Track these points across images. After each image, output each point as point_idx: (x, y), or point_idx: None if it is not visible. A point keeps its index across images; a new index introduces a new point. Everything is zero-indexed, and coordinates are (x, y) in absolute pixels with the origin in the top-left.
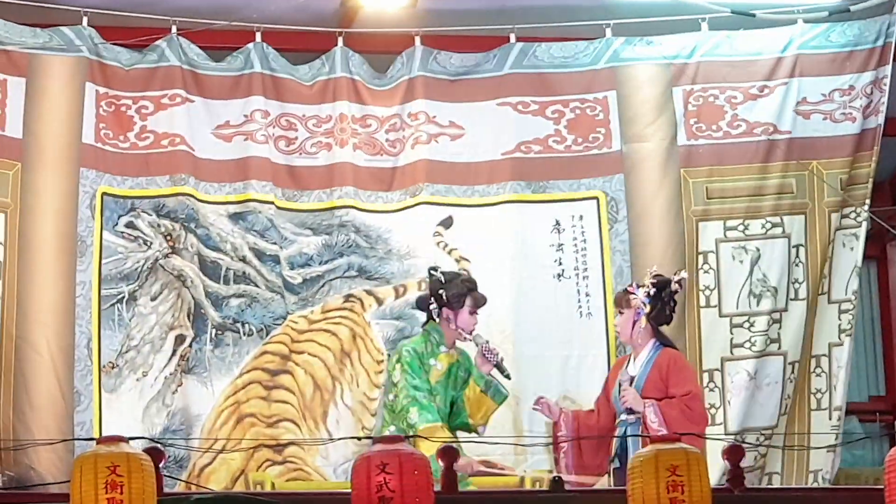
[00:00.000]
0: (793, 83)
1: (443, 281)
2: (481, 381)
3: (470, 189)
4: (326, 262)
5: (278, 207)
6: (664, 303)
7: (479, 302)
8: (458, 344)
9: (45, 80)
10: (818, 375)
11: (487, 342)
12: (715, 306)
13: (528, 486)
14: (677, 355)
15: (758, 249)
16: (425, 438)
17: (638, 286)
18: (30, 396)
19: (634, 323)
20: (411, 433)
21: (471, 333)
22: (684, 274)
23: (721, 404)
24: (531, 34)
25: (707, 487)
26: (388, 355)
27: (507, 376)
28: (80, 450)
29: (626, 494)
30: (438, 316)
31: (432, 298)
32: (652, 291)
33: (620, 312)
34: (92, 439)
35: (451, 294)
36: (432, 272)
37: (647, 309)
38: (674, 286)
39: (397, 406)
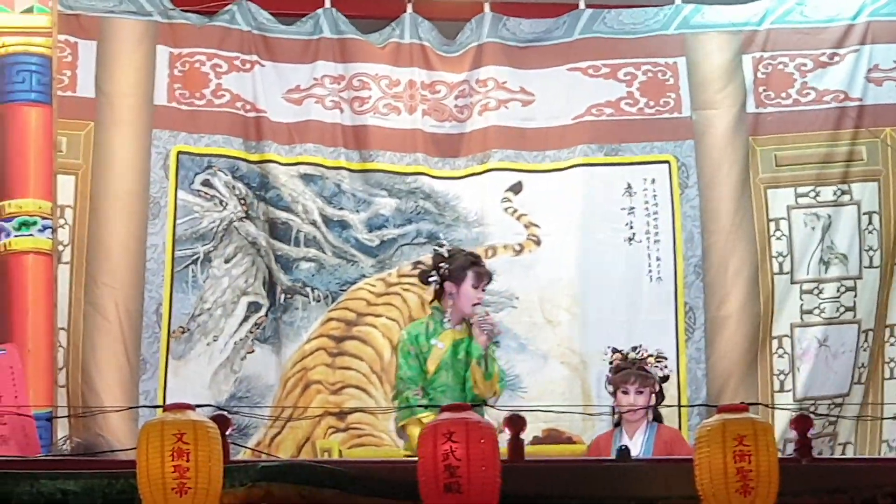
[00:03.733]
0: (864, 50)
1: (445, 255)
2: (477, 353)
3: (540, 154)
4: (399, 227)
5: (351, 170)
6: (664, 381)
7: (483, 276)
8: (465, 320)
9: (116, 43)
10: (892, 345)
11: (486, 313)
12: (787, 273)
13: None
14: (677, 432)
15: (829, 216)
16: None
17: (650, 365)
18: (97, 363)
19: (648, 403)
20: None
21: (473, 308)
22: (665, 353)
23: (790, 371)
24: (600, 1)
25: (774, 457)
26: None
27: (497, 343)
28: (146, 418)
29: (694, 463)
30: (441, 291)
31: (434, 272)
32: (661, 372)
33: (640, 392)
34: (159, 406)
35: (454, 268)
36: (436, 248)
37: (658, 388)
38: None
39: (397, 389)
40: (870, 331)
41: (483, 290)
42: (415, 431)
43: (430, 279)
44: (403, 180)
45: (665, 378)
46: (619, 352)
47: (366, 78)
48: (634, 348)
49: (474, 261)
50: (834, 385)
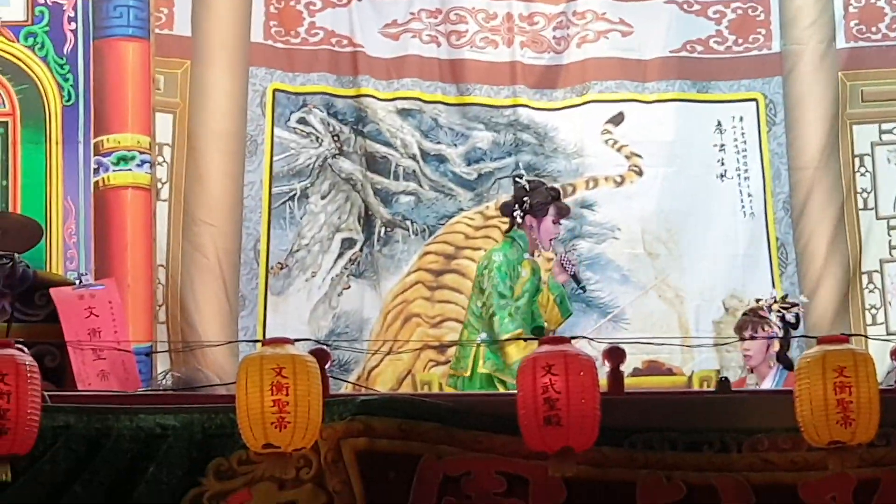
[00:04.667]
0: None
1: (527, 189)
2: (556, 290)
3: (641, 85)
4: (496, 160)
5: (447, 104)
6: (794, 327)
7: (563, 211)
8: (536, 253)
9: None
10: None
11: (566, 252)
12: (872, 209)
13: (695, 386)
14: None
15: None
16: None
17: (769, 309)
18: (196, 299)
19: (768, 347)
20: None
21: (551, 242)
22: (804, 299)
23: (882, 305)
24: None
25: (875, 388)
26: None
27: (583, 288)
28: (245, 353)
29: (794, 395)
30: (521, 223)
31: (516, 205)
32: (787, 317)
33: (753, 336)
34: (258, 341)
35: (536, 202)
36: (517, 179)
37: (781, 333)
38: (801, 310)
39: (485, 313)
40: None
41: (560, 225)
42: (512, 350)
43: (514, 213)
44: (501, 113)
45: (793, 324)
46: (759, 300)
47: (462, 12)
48: (783, 298)
49: (555, 196)
50: None
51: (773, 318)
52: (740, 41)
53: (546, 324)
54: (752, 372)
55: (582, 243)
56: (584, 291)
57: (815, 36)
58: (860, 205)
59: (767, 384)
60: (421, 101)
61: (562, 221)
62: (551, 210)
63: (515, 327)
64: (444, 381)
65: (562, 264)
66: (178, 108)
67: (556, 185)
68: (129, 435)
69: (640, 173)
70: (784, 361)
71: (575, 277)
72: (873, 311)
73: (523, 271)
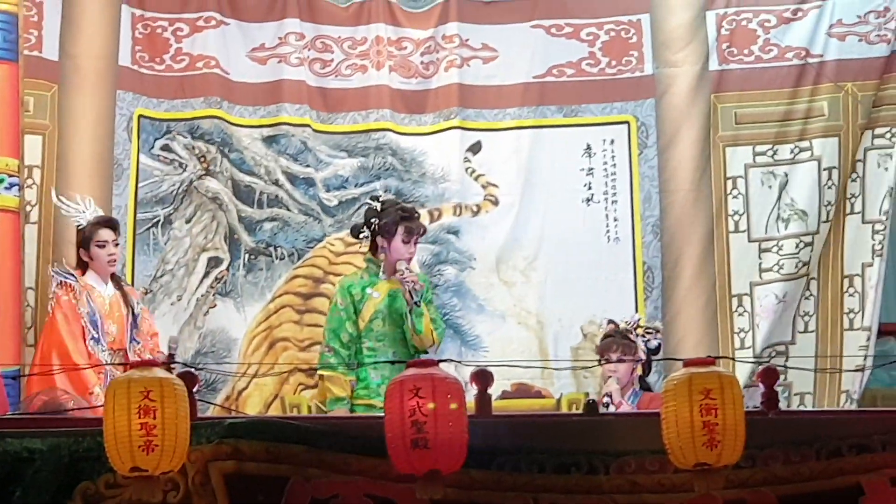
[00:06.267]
0: (827, 5)
1: (378, 209)
2: (406, 315)
3: (501, 112)
4: (362, 185)
5: (314, 130)
6: (654, 352)
7: (413, 230)
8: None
9: (81, 2)
10: (851, 296)
11: (407, 269)
12: (744, 231)
13: (564, 409)
14: (657, 396)
15: (786, 174)
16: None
17: (635, 333)
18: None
19: (633, 370)
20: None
21: (408, 261)
22: (658, 324)
23: (750, 328)
24: None
25: (741, 410)
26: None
27: (417, 303)
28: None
29: (660, 418)
30: (375, 245)
31: (364, 227)
32: (652, 343)
33: (621, 360)
34: (124, 364)
35: (384, 223)
36: (370, 201)
37: (645, 357)
38: (659, 336)
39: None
40: (812, 279)
41: (415, 245)
42: (323, 385)
43: (361, 235)
44: (370, 137)
45: (654, 350)
46: (614, 322)
47: (328, 41)
48: (643, 320)
49: (404, 216)
50: (777, 334)
51: (640, 342)
52: (613, 63)
53: (417, 344)
54: (608, 395)
55: (448, 269)
56: (419, 306)
57: (688, 59)
58: (731, 227)
59: (624, 407)
60: (289, 125)
61: (414, 241)
62: (400, 230)
63: (331, 367)
64: (312, 405)
65: (403, 283)
66: (47, 130)
67: (412, 205)
68: None
69: (495, 202)
70: (644, 385)
71: (411, 293)
72: (742, 334)
73: (375, 293)
